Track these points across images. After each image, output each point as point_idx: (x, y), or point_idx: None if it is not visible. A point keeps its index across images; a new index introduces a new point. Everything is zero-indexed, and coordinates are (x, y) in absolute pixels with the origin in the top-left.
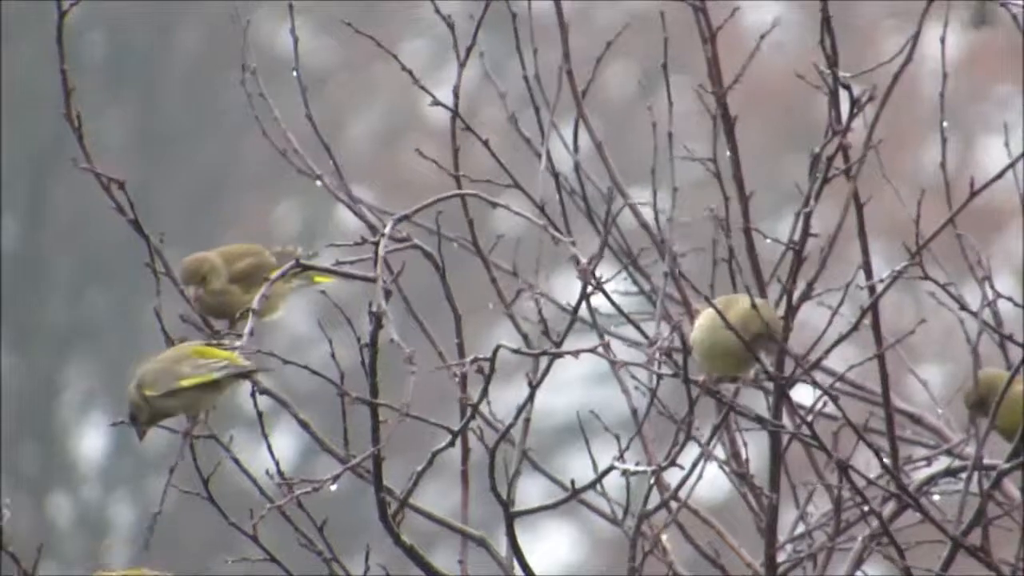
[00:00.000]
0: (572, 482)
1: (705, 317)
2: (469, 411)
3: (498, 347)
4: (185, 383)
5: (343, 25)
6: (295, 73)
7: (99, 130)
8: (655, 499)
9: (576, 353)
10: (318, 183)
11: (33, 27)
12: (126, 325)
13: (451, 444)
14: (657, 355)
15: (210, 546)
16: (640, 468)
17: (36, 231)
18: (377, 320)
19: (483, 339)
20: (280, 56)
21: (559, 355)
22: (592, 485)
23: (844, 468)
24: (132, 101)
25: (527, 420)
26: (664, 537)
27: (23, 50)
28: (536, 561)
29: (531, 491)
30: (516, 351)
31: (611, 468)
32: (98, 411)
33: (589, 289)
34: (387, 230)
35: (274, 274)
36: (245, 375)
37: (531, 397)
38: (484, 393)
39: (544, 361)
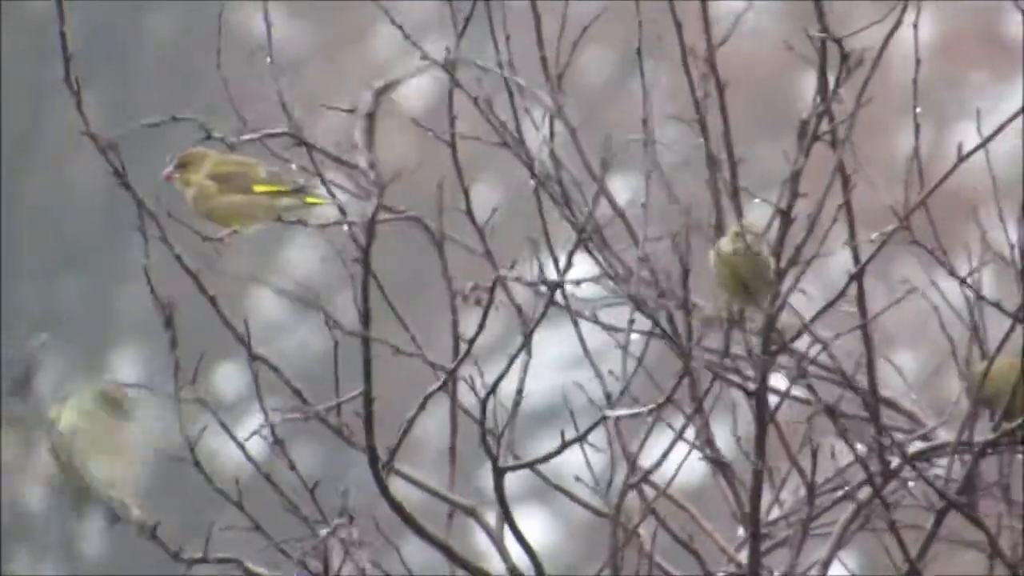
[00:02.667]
0: (562, 433)
1: (723, 244)
2: (464, 348)
3: (498, 277)
4: (259, 188)
5: (316, 10)
6: (268, 60)
7: (74, 115)
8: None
9: (578, 282)
10: (293, 166)
11: (2, 8)
12: (99, 312)
13: (444, 385)
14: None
15: (194, 518)
16: (635, 410)
17: (7, 216)
18: (370, 231)
19: (465, 318)
20: (255, 42)
21: (559, 285)
22: (583, 436)
23: (833, 413)
24: (105, 86)
25: (519, 389)
26: (641, 527)
27: None
28: (512, 546)
29: (507, 478)
30: (517, 279)
31: (603, 419)
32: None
33: (563, 269)
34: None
35: (260, 187)
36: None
37: (525, 344)
38: (481, 325)
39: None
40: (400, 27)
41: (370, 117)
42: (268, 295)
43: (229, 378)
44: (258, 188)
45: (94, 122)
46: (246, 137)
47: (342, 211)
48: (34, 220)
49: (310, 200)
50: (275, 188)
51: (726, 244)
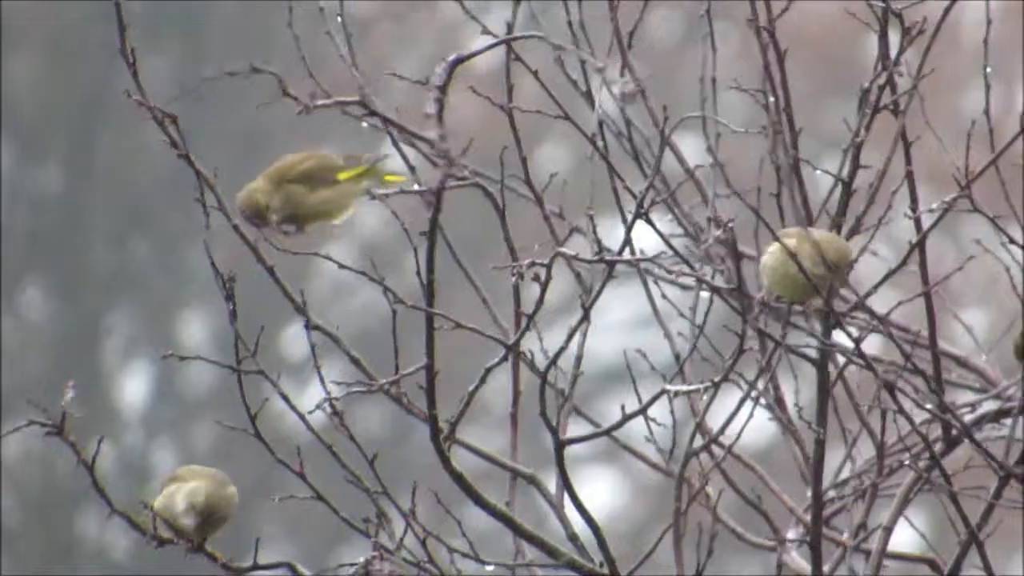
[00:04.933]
0: (622, 407)
1: (778, 245)
2: (524, 322)
3: (556, 253)
4: (343, 175)
5: None
6: (339, 19)
7: (142, 78)
8: (698, 443)
9: (637, 261)
10: (364, 124)
11: None
12: (170, 271)
13: (505, 359)
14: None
15: (256, 486)
16: (693, 387)
17: (79, 177)
18: (436, 205)
19: (528, 285)
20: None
21: (617, 262)
22: (643, 411)
23: (892, 389)
24: (174, 48)
25: (578, 356)
26: (707, 485)
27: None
28: (574, 512)
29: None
30: (575, 257)
31: (662, 392)
32: (141, 357)
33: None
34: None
35: (343, 174)
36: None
37: (585, 316)
38: (540, 302)
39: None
40: (462, 3)
41: (442, 90)
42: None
43: (296, 339)
44: (342, 176)
45: (164, 83)
46: (319, 103)
47: (412, 179)
48: (106, 181)
49: (389, 177)
50: (357, 172)
51: (774, 255)
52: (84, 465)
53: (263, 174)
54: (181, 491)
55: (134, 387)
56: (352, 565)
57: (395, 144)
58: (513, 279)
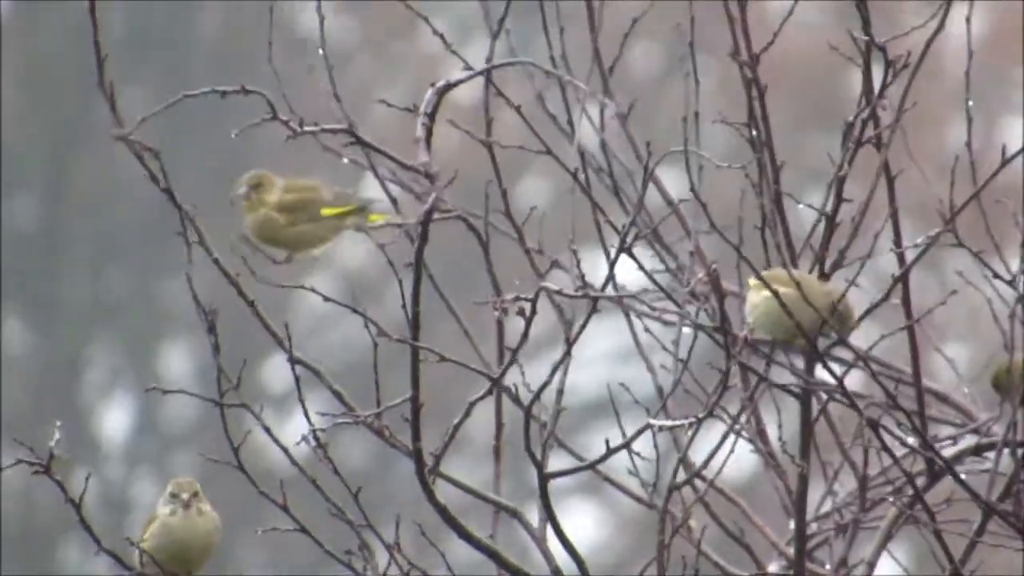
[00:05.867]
0: (607, 441)
1: (762, 286)
2: (508, 356)
3: (540, 288)
4: (326, 212)
5: (363, 3)
6: (320, 51)
7: (121, 108)
8: (681, 477)
9: (620, 297)
10: (345, 160)
11: (54, 3)
12: (149, 303)
13: (489, 392)
14: (692, 300)
15: (238, 518)
16: (677, 422)
17: (55, 208)
18: (423, 232)
19: (512, 317)
20: (302, 35)
21: (600, 298)
22: (627, 444)
23: (875, 427)
24: (153, 79)
25: (560, 390)
26: (691, 519)
27: (41, 28)
28: (558, 545)
29: (556, 468)
30: (559, 292)
31: (646, 427)
32: (122, 389)
33: (616, 258)
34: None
35: (327, 210)
36: (364, 211)
37: (568, 352)
38: (524, 336)
39: (575, 329)
40: (441, 36)
41: (430, 116)
42: (318, 286)
43: (279, 370)
44: (326, 212)
45: (143, 113)
46: (304, 130)
47: (396, 210)
48: (83, 212)
49: (373, 217)
50: (342, 211)
51: (764, 298)
52: (71, 503)
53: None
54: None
55: (115, 420)
56: None
57: (377, 177)
58: (497, 313)
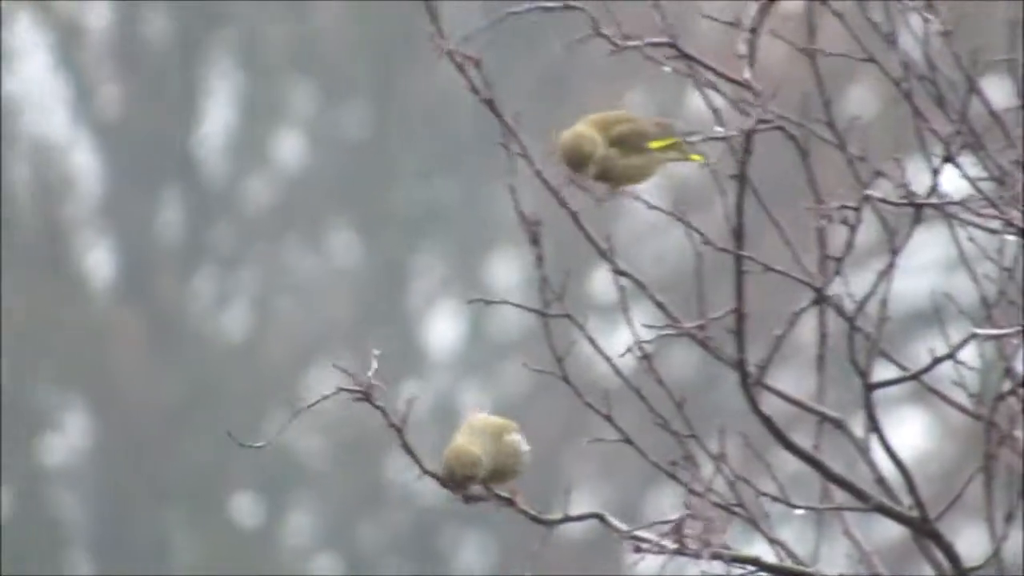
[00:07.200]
0: (931, 352)
1: None
2: (832, 266)
3: (864, 197)
4: (654, 144)
5: None
6: None
7: (445, 20)
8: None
9: (944, 204)
10: (666, 69)
11: None
12: (478, 212)
13: (813, 303)
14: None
15: (565, 429)
16: (1003, 331)
17: (384, 116)
18: (747, 145)
19: (834, 229)
20: None
21: (924, 206)
22: (951, 355)
23: None
24: None
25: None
26: (1016, 429)
27: None
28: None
29: (882, 378)
30: (883, 201)
31: (971, 337)
32: (450, 298)
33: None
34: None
35: (654, 143)
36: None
37: (892, 262)
38: (849, 245)
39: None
40: None
41: (754, 31)
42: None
43: (605, 280)
44: (653, 145)
45: (470, 21)
46: (627, 44)
47: (718, 122)
48: (412, 121)
49: (694, 157)
50: (667, 142)
51: None
52: (394, 428)
53: (589, 121)
54: (447, 450)
55: (442, 329)
56: (667, 523)
57: (699, 88)
58: (821, 222)
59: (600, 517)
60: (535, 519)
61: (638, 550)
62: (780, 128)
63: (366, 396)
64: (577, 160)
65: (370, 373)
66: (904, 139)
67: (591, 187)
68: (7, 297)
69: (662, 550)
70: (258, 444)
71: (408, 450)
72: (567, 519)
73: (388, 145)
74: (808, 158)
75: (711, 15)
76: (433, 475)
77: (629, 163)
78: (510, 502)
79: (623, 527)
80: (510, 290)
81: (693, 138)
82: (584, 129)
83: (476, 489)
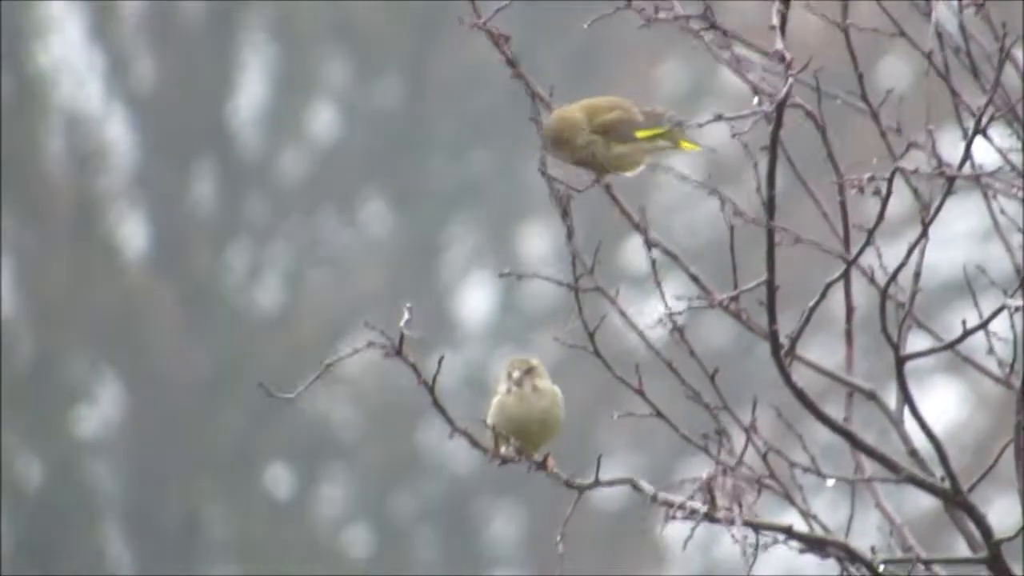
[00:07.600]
0: (963, 323)
1: None
2: (864, 237)
3: (896, 168)
4: (641, 134)
5: None
6: None
7: None
8: None
9: (977, 176)
10: (702, 39)
11: None
12: (511, 184)
13: (844, 275)
14: None
15: (597, 401)
16: None
17: (417, 89)
18: (779, 116)
19: (866, 200)
20: None
21: (957, 177)
22: (983, 325)
23: None
24: None
25: (917, 272)
26: None
27: None
28: (916, 427)
29: (916, 349)
30: (915, 172)
31: (1003, 308)
32: (482, 269)
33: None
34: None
35: (641, 132)
36: (676, 133)
37: (924, 232)
38: (880, 216)
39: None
40: None
41: (785, 3)
42: (677, 166)
43: (637, 252)
44: (640, 135)
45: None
46: (658, 17)
47: (754, 93)
48: (445, 94)
49: (685, 145)
50: (655, 133)
51: None
52: (425, 386)
53: (581, 106)
54: (491, 411)
55: (474, 300)
56: (694, 481)
57: (731, 64)
58: (853, 191)
59: (632, 483)
60: (567, 483)
61: (670, 516)
62: (800, 107)
63: (397, 351)
64: (555, 143)
65: (402, 323)
66: (937, 111)
67: (573, 171)
68: (41, 269)
69: (693, 514)
70: (289, 395)
71: (439, 408)
72: (598, 483)
73: (421, 117)
74: (824, 133)
75: None
76: (464, 433)
77: (612, 152)
78: (542, 465)
79: (652, 488)
80: (542, 261)
81: (699, 121)
82: (569, 114)
83: (508, 452)
